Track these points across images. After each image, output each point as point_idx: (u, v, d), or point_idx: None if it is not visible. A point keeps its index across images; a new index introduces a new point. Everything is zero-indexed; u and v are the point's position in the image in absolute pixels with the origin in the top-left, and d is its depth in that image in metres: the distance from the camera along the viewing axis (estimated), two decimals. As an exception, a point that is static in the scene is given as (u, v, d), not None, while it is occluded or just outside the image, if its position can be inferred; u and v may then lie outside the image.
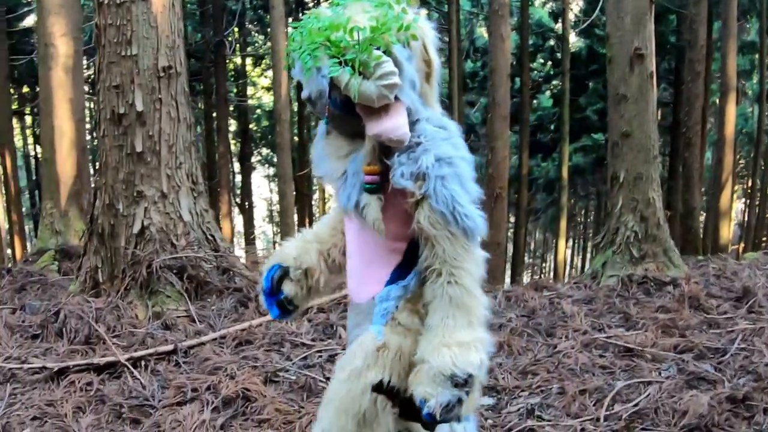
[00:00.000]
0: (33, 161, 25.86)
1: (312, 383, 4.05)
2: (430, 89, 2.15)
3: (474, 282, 2.07)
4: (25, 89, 22.60)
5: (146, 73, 5.40)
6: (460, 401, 2.00)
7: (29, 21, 21.05)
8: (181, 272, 5.46)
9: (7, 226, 17.16)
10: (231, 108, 22.36)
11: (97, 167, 5.70)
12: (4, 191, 17.98)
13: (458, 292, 2.04)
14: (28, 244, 17.31)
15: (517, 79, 18.43)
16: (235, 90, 24.35)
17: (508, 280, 18.49)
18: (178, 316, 5.19)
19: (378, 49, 1.91)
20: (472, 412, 2.10)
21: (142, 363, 4.47)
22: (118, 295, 5.36)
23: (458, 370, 1.98)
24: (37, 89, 11.20)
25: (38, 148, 22.46)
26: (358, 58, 1.88)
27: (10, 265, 9.28)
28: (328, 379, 4.03)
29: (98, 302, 5.27)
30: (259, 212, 31.47)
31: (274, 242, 30.85)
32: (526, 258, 26.73)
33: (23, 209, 21.06)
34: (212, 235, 5.90)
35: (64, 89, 10.41)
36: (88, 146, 12.53)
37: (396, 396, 2.18)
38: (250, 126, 25.64)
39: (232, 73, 24.48)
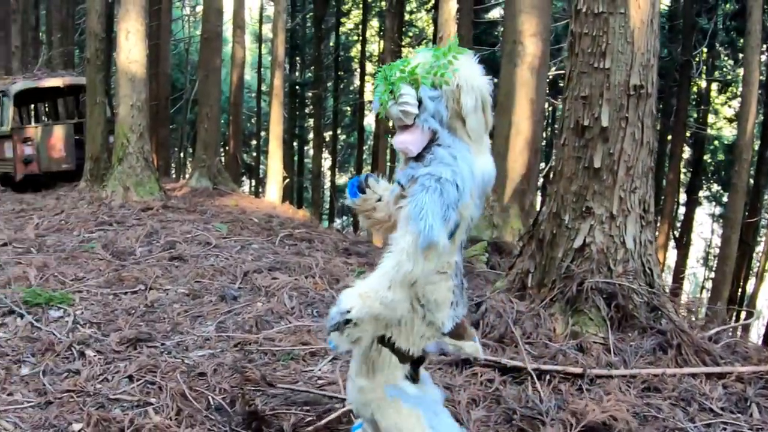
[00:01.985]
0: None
1: (707, 455, 3.82)
2: (462, 126, 2.75)
3: (399, 254, 2.56)
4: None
5: (616, 89, 5.43)
6: (338, 327, 2.64)
7: (494, 13, 22.60)
8: (611, 299, 5.41)
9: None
10: (687, 134, 21.56)
11: (549, 173, 5.92)
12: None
13: (386, 258, 2.62)
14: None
15: None
16: (695, 115, 23.48)
17: None
18: (595, 342, 5.17)
19: (412, 85, 2.70)
20: (343, 345, 2.70)
21: (547, 377, 4.60)
22: (542, 304, 5.51)
23: (340, 302, 2.65)
24: (495, 81, 11.97)
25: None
26: (391, 87, 2.71)
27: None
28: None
29: (521, 305, 5.52)
30: (695, 251, 29.75)
31: (702, 287, 29.08)
32: None
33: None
34: (650, 269, 5.70)
35: (526, 88, 11.01)
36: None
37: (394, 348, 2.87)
38: (705, 157, 24.52)
39: (695, 96, 23.65)
